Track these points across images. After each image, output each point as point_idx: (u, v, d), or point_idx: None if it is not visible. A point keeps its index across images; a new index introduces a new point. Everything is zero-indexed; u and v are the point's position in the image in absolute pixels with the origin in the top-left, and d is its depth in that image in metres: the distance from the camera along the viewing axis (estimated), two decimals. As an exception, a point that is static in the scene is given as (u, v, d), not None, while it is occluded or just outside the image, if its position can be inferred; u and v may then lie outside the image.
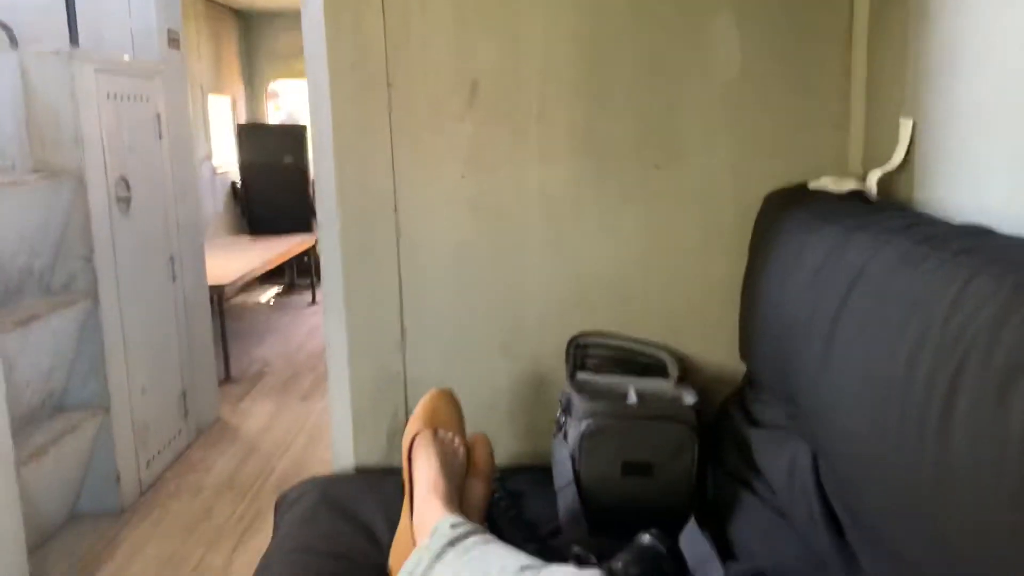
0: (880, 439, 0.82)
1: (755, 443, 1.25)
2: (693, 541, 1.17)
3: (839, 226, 1.09)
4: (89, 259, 2.42)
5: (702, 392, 1.37)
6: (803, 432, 1.11)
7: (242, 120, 6.01)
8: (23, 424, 2.25)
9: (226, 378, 3.80)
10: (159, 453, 2.79)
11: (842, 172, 1.42)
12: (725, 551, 1.17)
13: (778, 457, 1.16)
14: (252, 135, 5.78)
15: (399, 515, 1.24)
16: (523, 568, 0.89)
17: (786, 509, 1.12)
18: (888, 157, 1.27)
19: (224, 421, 3.33)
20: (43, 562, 2.21)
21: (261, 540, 1.78)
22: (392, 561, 1.21)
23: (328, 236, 1.53)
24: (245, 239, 5.29)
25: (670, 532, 1.16)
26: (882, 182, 1.29)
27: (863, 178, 1.33)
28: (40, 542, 2.29)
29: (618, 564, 1.10)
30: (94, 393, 2.48)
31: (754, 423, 1.29)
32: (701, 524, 1.19)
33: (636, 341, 1.50)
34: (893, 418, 0.80)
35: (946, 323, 0.76)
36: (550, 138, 1.47)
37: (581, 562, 1.10)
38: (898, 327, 0.82)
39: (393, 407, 1.57)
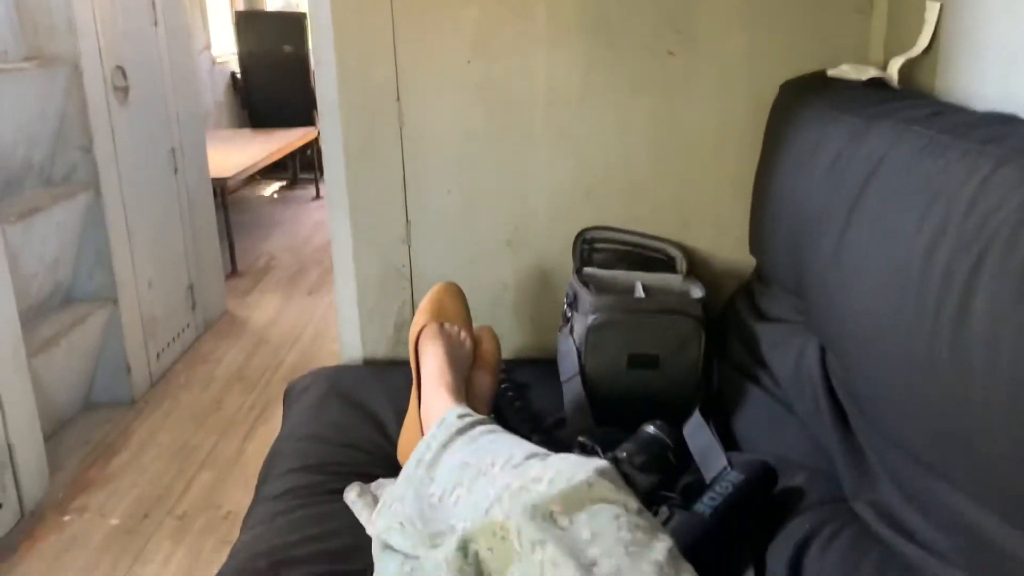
0: (893, 332, 0.82)
1: (762, 336, 1.24)
2: (697, 432, 1.19)
3: (858, 115, 1.06)
4: (89, 150, 2.38)
5: (710, 286, 1.36)
6: (811, 326, 1.10)
7: (240, 7, 5.82)
8: (32, 316, 2.27)
9: (232, 272, 3.81)
10: (168, 345, 2.82)
11: (863, 59, 1.36)
12: (729, 443, 1.18)
13: (785, 350, 1.16)
14: (251, 23, 5.60)
15: (407, 406, 1.25)
16: (529, 456, 0.89)
17: (791, 402, 1.13)
18: (912, 43, 1.22)
19: (232, 314, 3.35)
20: (58, 449, 2.27)
21: (271, 429, 1.82)
22: (400, 450, 1.23)
23: (329, 127, 1.50)
24: (246, 131, 5.20)
25: (675, 424, 1.18)
26: (904, 70, 1.24)
27: (884, 66, 1.28)
28: (55, 431, 2.34)
29: (623, 454, 1.11)
30: (101, 285, 2.49)
31: (762, 317, 1.29)
32: (706, 416, 1.20)
33: (644, 235, 1.48)
34: (908, 311, 0.79)
35: (968, 214, 0.74)
36: (560, 21, 1.41)
37: (586, 452, 1.12)
38: (917, 218, 0.80)
39: (399, 301, 1.57)
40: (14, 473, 1.94)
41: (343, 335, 1.62)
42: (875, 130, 0.98)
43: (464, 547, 0.74)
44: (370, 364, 1.59)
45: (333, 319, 3.12)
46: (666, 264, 1.45)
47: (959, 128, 0.86)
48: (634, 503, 0.77)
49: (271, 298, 3.55)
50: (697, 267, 1.48)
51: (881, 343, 0.84)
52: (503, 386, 1.37)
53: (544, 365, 1.43)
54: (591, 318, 1.28)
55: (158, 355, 2.74)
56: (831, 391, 1.03)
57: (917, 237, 0.79)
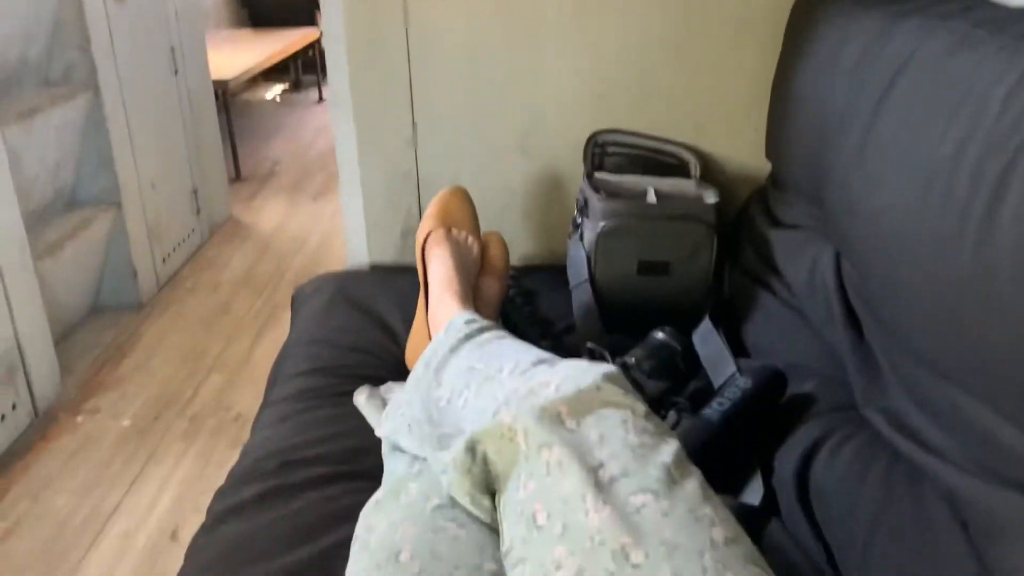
0: (915, 236, 0.79)
1: (775, 243, 1.22)
2: (707, 339, 1.18)
3: (885, 11, 1.01)
4: (86, 49, 2.31)
5: (724, 191, 1.33)
6: (828, 232, 1.08)
7: (237, -101, 5.59)
8: (36, 220, 2.25)
9: (236, 177, 3.77)
10: (174, 250, 2.82)
11: (891, -47, 1.30)
12: (739, 349, 1.18)
13: (799, 257, 1.14)
14: (249, -84, 5.39)
15: (414, 311, 1.24)
16: (537, 362, 0.89)
17: (804, 308, 1.11)
18: (945, -65, 1.16)
19: (237, 219, 3.33)
20: (68, 352, 2.28)
21: (279, 333, 1.82)
22: (408, 355, 1.23)
23: (332, 26, 1.44)
24: (246, 32, 5.06)
25: (685, 330, 1.17)
26: (935, -36, 1.18)
27: (914, -41, 1.22)
28: (64, 334, 2.36)
29: (631, 360, 1.11)
30: (104, 189, 2.47)
31: (776, 223, 1.26)
32: (716, 323, 1.19)
33: (657, 139, 1.44)
34: (932, 214, 0.76)
35: (1002, 112, 0.70)
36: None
37: (595, 358, 1.11)
38: (946, 118, 0.77)
39: (406, 205, 1.54)
40: (26, 375, 1.97)
41: (349, 240, 1.60)
42: (903, 26, 0.94)
43: (472, 448, 0.74)
44: (377, 269, 1.58)
45: (339, 225, 3.10)
46: (679, 169, 1.42)
47: (994, 23, 0.81)
48: (642, 407, 0.76)
49: (276, 203, 3.52)
50: (711, 172, 1.44)
51: (902, 248, 0.82)
52: (511, 292, 1.36)
53: (553, 272, 1.41)
54: (601, 224, 1.26)
55: (164, 259, 2.74)
56: (845, 298, 1.02)
57: (946, 137, 0.76)
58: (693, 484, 0.66)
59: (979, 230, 0.70)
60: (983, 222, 0.70)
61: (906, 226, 0.81)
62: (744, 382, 1.01)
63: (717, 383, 1.10)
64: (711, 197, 1.29)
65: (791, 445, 0.94)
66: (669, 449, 0.70)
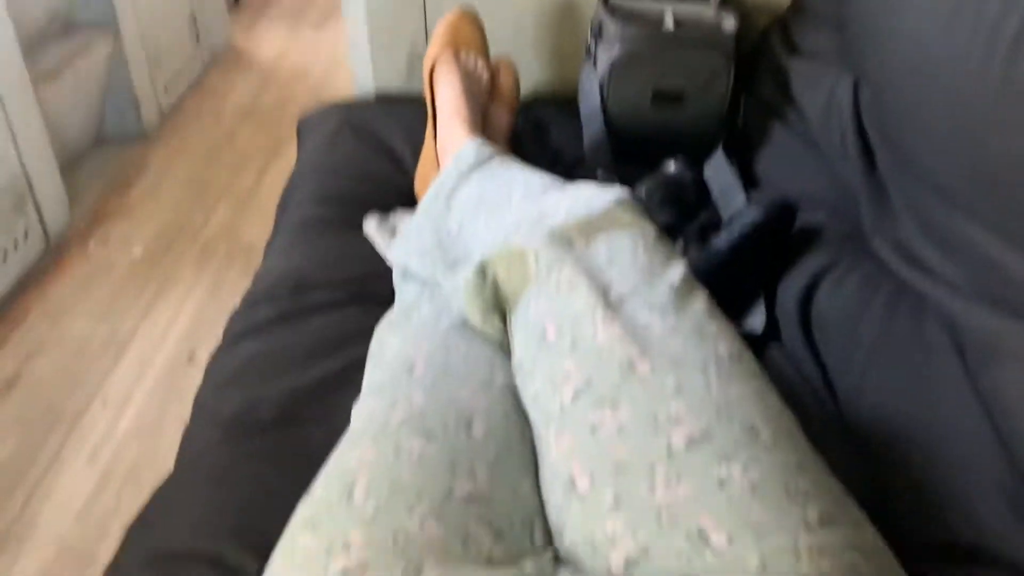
0: (940, 57, 0.77)
1: (794, 71, 1.18)
2: (718, 170, 1.17)
3: None
4: None
5: (744, 17, 1.27)
6: (849, 58, 1.04)
7: None
8: (33, 44, 2.18)
9: (235, 2, 3.62)
10: (175, 78, 2.75)
11: None
12: (751, 181, 1.17)
13: (817, 86, 1.11)
14: None
15: (422, 139, 1.23)
16: (547, 187, 0.89)
17: (819, 140, 1.10)
18: None
19: (237, 48, 3.23)
20: (75, 182, 2.27)
21: (286, 163, 1.80)
22: (417, 184, 1.23)
23: None
24: None
25: (697, 161, 1.16)
26: None
27: None
28: (70, 164, 2.34)
29: (641, 189, 1.11)
30: (100, 13, 2.37)
31: (795, 51, 1.22)
32: (729, 154, 1.17)
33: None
34: (960, 38, 0.73)
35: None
36: None
37: (605, 185, 1.11)
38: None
39: (412, 30, 1.49)
40: (35, 203, 1.97)
41: (354, 68, 1.55)
42: None
43: (483, 271, 0.75)
44: (383, 99, 1.55)
45: (341, 54, 3.00)
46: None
47: None
48: (652, 230, 0.77)
49: (277, 31, 3.40)
50: (731, -4, 1.38)
51: (926, 73, 0.80)
52: (520, 122, 1.33)
53: (564, 101, 1.38)
54: (616, 50, 1.21)
55: (165, 88, 2.68)
56: (860, 127, 1.00)
57: (982, -47, 0.72)
58: (700, 303, 0.68)
59: (1009, 49, 0.67)
60: (1014, 41, 0.67)
61: (931, 50, 0.78)
62: (753, 213, 1.01)
63: (727, 214, 1.10)
64: (730, 23, 1.24)
65: (796, 274, 0.95)
66: (677, 270, 0.71)
